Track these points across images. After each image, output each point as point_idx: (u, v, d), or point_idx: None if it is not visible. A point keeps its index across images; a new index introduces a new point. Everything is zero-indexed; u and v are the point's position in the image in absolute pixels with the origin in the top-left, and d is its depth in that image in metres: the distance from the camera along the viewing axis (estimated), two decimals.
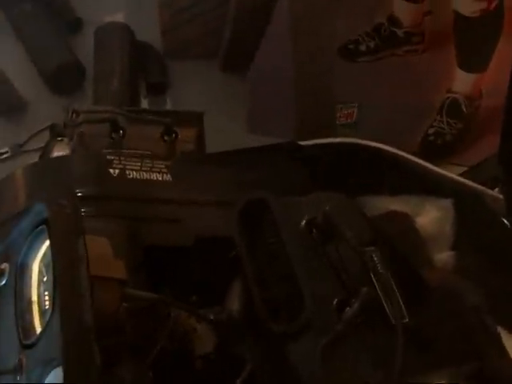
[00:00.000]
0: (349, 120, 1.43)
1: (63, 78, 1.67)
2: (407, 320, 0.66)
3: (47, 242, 0.55)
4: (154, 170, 0.84)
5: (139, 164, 0.84)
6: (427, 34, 1.32)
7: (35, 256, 0.56)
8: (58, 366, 0.48)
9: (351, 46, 1.35)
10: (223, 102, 1.62)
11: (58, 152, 1.02)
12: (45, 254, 0.56)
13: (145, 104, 1.68)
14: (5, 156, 1.60)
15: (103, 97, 1.55)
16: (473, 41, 1.30)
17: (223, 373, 0.66)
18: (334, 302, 0.67)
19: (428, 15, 1.30)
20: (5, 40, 1.73)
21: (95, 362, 0.48)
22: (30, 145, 1.63)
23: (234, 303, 0.76)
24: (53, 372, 0.49)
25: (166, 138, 0.97)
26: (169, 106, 1.71)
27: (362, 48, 1.34)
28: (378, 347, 0.66)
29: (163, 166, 0.85)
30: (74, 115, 1.03)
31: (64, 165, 0.86)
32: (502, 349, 0.76)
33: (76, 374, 0.47)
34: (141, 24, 1.72)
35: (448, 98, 1.38)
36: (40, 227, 0.56)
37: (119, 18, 1.78)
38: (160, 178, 0.83)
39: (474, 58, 1.32)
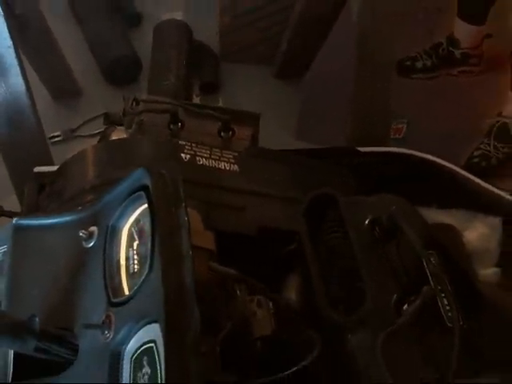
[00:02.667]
0: (397, 135, 1.45)
1: (120, 70, 1.72)
2: (462, 323, 0.69)
3: (141, 208, 0.58)
4: (222, 159, 0.87)
5: (209, 152, 0.87)
6: (485, 56, 1.34)
7: (127, 220, 0.59)
8: (151, 322, 0.51)
9: (408, 63, 1.37)
10: (274, 108, 1.64)
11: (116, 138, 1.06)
12: (137, 220, 0.58)
13: (196, 102, 1.72)
14: (57, 139, 1.65)
15: (158, 91, 1.59)
16: None
17: (284, 353, 0.68)
18: (393, 300, 0.70)
19: (487, 38, 1.32)
20: (67, 28, 1.79)
21: (196, 324, 0.50)
22: (82, 131, 1.68)
23: (291, 295, 0.79)
24: (146, 328, 0.51)
25: (223, 134, 0.99)
26: None
27: (419, 65, 1.37)
28: (431, 345, 0.68)
29: (231, 157, 0.88)
30: (134, 103, 1.07)
31: (136, 146, 0.89)
32: None
33: (176, 332, 0.49)
34: (199, 24, 1.77)
35: (498, 121, 1.40)
36: (137, 193, 0.59)
37: (178, 16, 1.83)
38: (228, 168, 0.86)
39: None
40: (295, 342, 0.67)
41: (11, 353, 0.58)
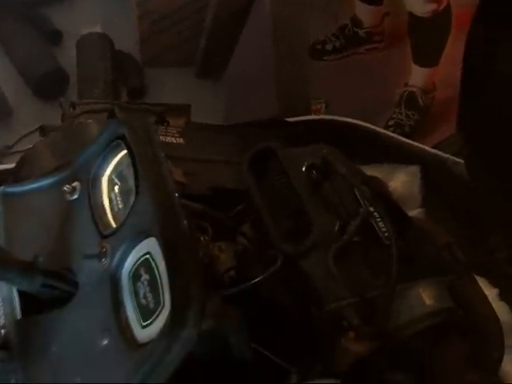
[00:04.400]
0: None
1: (48, 85, 1.79)
2: (397, 239, 0.80)
3: (120, 154, 0.66)
4: (168, 134, 0.96)
5: (155, 129, 0.96)
6: (386, 33, 1.48)
7: (106, 169, 0.67)
8: (144, 239, 0.59)
9: (319, 46, 1.48)
10: (199, 106, 1.73)
11: None
12: (115, 167, 0.66)
13: None
14: None
15: (89, 99, 1.66)
16: (425, 38, 1.47)
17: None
18: (336, 227, 0.80)
19: (386, 16, 1.45)
20: None
21: (187, 229, 0.58)
22: (19, 146, 1.73)
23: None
24: (139, 245, 0.59)
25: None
26: None
27: (329, 47, 1.48)
28: (374, 261, 0.78)
29: (175, 132, 0.97)
30: (72, 108, 1.14)
31: (89, 128, 0.97)
32: (472, 276, 0.91)
33: (172, 241, 0.57)
34: (118, 34, 1.85)
35: (405, 91, 1.53)
36: (114, 142, 0.67)
37: (97, 29, 1.90)
38: (174, 141, 0.95)
39: (427, 53, 1.49)
40: (259, 266, 0.77)
41: (15, 292, 0.65)
